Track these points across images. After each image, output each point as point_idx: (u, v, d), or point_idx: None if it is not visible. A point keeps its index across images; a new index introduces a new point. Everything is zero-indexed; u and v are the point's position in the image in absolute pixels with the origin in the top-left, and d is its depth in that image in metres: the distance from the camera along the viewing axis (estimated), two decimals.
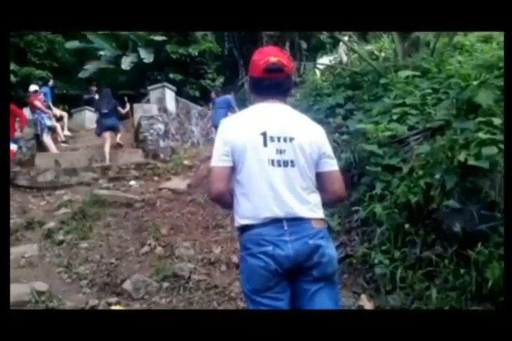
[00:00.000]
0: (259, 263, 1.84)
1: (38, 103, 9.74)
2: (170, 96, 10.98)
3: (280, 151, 1.94)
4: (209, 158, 9.08)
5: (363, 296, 3.31)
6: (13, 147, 6.26)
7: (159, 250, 4.85)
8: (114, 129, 9.53)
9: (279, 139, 1.95)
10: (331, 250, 1.96)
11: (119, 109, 9.86)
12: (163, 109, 10.51)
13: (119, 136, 9.66)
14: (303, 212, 1.91)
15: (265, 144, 1.93)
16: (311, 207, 1.95)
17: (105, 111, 9.43)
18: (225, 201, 2.00)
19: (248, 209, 1.92)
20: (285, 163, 1.94)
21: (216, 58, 17.13)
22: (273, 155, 1.93)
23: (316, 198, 1.99)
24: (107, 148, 9.07)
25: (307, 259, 1.87)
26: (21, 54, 14.21)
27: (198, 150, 10.39)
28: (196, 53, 15.58)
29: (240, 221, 1.95)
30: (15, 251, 5.26)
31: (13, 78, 13.21)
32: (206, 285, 4.10)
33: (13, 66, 13.27)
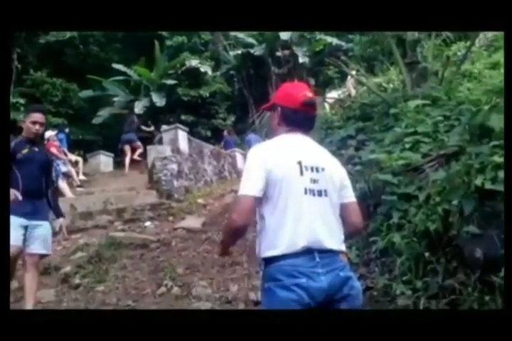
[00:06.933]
0: (292, 296, 1.76)
1: (53, 150, 9.92)
2: (182, 136, 11.12)
3: (314, 181, 1.93)
4: (222, 195, 9.18)
5: None
6: None
7: (176, 290, 4.76)
8: (131, 142, 11.84)
9: (312, 169, 1.95)
10: (357, 283, 1.94)
11: (144, 128, 12.65)
12: (176, 150, 10.61)
13: (138, 151, 11.49)
14: (333, 244, 1.89)
15: (301, 173, 1.92)
16: (340, 240, 1.94)
17: (126, 129, 12.10)
18: (244, 233, 1.94)
19: (280, 239, 1.85)
20: (319, 193, 1.93)
21: (226, 98, 17.49)
22: (308, 185, 1.92)
23: (341, 230, 1.98)
24: (127, 160, 11.58)
25: (337, 292, 1.82)
26: (37, 103, 14.63)
27: (212, 189, 10.41)
28: (207, 94, 15.93)
29: (268, 252, 1.87)
30: None
31: None
32: None
33: None
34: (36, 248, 3.93)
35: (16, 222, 3.71)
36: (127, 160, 11.77)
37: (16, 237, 3.68)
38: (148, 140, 12.29)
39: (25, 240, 3.85)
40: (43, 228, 3.98)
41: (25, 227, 3.85)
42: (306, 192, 1.90)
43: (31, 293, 3.93)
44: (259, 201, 1.91)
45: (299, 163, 1.93)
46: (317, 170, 1.96)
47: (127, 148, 11.92)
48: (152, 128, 12.77)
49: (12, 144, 3.87)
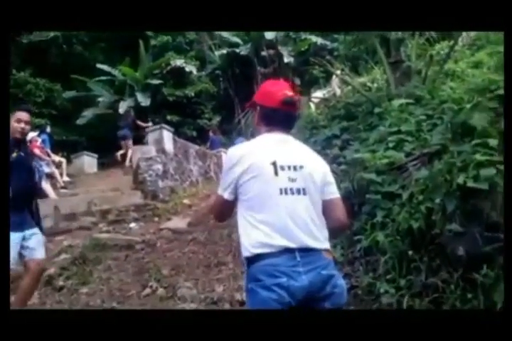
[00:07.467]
0: (272, 296, 1.76)
1: (36, 151, 9.77)
2: (167, 137, 11.06)
3: (292, 179, 1.94)
4: (208, 196, 9.13)
5: None
6: None
7: (161, 291, 4.72)
8: (125, 138, 12.34)
9: (289, 168, 1.95)
10: (342, 281, 1.93)
11: (139, 123, 12.94)
12: (161, 150, 10.55)
13: (129, 153, 11.63)
14: (314, 242, 1.89)
15: (276, 173, 1.92)
16: (322, 238, 1.93)
17: (122, 125, 12.61)
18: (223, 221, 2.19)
19: (260, 238, 1.86)
20: (298, 191, 1.93)
21: (212, 98, 17.41)
22: (285, 184, 1.92)
23: (325, 228, 1.97)
24: (119, 153, 12.59)
25: (319, 290, 1.82)
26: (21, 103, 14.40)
27: (198, 189, 10.38)
28: (192, 94, 15.86)
29: (251, 250, 1.87)
30: None
31: None
32: None
33: None
34: (40, 253, 3.90)
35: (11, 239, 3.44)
36: (119, 152, 12.62)
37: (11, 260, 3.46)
38: (139, 141, 12.25)
39: (23, 250, 3.74)
40: (39, 235, 3.93)
41: (22, 239, 3.71)
42: (281, 192, 1.91)
43: (27, 294, 3.85)
44: (232, 203, 2.01)
45: (274, 163, 1.94)
46: (295, 168, 1.96)
47: (123, 143, 12.56)
48: (150, 124, 12.83)
49: None
